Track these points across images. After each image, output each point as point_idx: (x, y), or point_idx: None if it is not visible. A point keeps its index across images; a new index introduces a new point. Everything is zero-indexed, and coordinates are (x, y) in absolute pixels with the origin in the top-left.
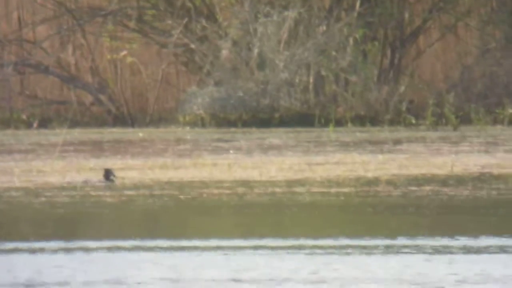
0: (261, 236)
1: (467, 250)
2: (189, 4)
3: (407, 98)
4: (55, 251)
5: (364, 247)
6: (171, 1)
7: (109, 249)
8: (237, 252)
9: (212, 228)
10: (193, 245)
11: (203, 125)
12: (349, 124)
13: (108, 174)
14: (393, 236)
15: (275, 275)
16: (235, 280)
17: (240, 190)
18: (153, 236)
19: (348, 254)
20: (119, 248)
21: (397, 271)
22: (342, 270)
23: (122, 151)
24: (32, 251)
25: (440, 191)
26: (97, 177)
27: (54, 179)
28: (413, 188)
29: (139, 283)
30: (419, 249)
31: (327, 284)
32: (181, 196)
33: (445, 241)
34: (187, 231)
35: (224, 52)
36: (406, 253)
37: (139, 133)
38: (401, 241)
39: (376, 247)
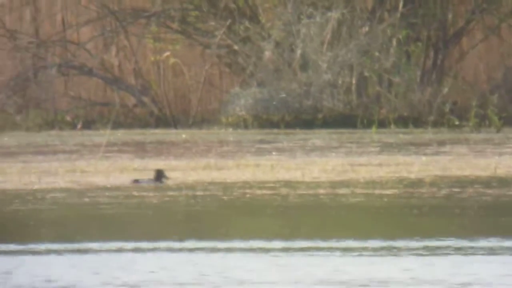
0: (305, 237)
1: None
2: (232, 5)
3: (450, 99)
4: (99, 251)
5: (409, 249)
6: (214, 3)
7: (151, 249)
8: (281, 254)
9: (255, 229)
10: (236, 247)
11: (246, 126)
12: (392, 126)
13: (159, 175)
14: (437, 237)
15: (319, 277)
16: (283, 282)
17: (283, 191)
18: (195, 237)
19: (394, 255)
20: (161, 249)
21: (445, 273)
22: (389, 271)
23: (165, 152)
24: (77, 251)
25: (483, 192)
26: (142, 177)
27: (98, 180)
28: (457, 189)
29: (180, 283)
30: (465, 251)
31: (376, 286)
32: (224, 197)
33: (490, 243)
34: (230, 232)
35: (267, 53)
36: (451, 254)
37: (182, 135)
38: (445, 242)
39: (421, 248)
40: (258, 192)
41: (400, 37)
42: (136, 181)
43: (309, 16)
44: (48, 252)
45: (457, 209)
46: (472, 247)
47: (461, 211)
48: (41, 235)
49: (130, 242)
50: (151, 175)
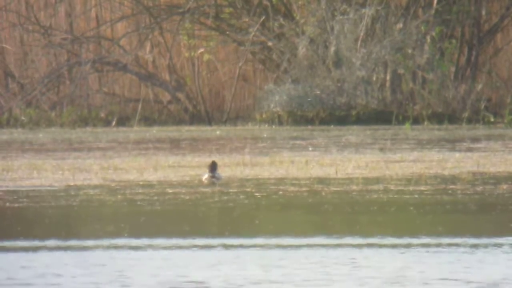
0: (335, 234)
1: None
2: (266, 2)
3: (484, 96)
4: (135, 248)
5: (444, 245)
6: None
7: (184, 247)
8: (312, 251)
9: (285, 225)
10: (265, 243)
11: (280, 122)
12: (426, 122)
13: (213, 168)
14: (471, 235)
15: (351, 275)
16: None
17: (316, 187)
18: (225, 234)
19: (428, 253)
20: (194, 246)
21: (479, 270)
22: (422, 269)
23: (200, 149)
24: (112, 247)
25: None
26: (174, 174)
27: (132, 177)
28: (490, 186)
29: (201, 281)
30: (499, 248)
31: (408, 283)
32: (257, 194)
33: None
34: (261, 228)
35: (301, 50)
36: (486, 252)
37: (217, 131)
38: (478, 240)
39: (454, 245)
40: (291, 188)
41: (434, 34)
42: (212, 176)
43: (343, 13)
44: (85, 248)
45: (489, 206)
46: (504, 244)
47: (494, 209)
48: (73, 231)
49: (162, 239)
50: (186, 172)
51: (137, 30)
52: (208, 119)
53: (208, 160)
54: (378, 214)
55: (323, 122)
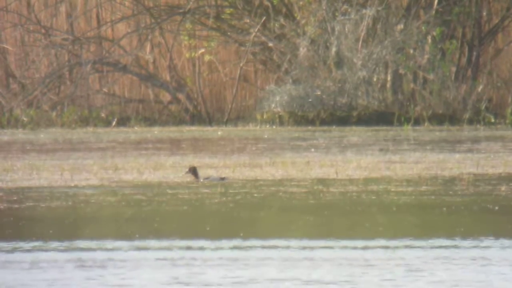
0: (336, 235)
1: None
2: (267, 3)
3: (485, 96)
4: (134, 249)
5: (444, 246)
6: (249, 0)
7: (186, 248)
8: (309, 252)
9: (285, 227)
10: (266, 244)
11: (281, 123)
12: (427, 123)
13: (194, 172)
14: (471, 236)
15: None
16: (315, 282)
17: (317, 188)
18: (222, 235)
19: (428, 253)
20: (192, 248)
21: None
22: (424, 270)
23: (201, 149)
24: (112, 248)
25: None
26: (175, 174)
27: (133, 177)
28: (489, 187)
29: (201, 282)
30: (501, 249)
31: (409, 284)
32: (256, 194)
33: None
34: (259, 230)
35: (302, 51)
36: (485, 253)
37: (218, 132)
38: (478, 241)
39: (454, 246)
40: (291, 189)
41: (435, 34)
42: (226, 178)
43: (344, 13)
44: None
45: (490, 207)
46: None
47: (493, 210)
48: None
49: (161, 241)
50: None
51: (138, 31)
52: (208, 120)
53: (209, 160)
54: (379, 215)
55: (324, 122)
